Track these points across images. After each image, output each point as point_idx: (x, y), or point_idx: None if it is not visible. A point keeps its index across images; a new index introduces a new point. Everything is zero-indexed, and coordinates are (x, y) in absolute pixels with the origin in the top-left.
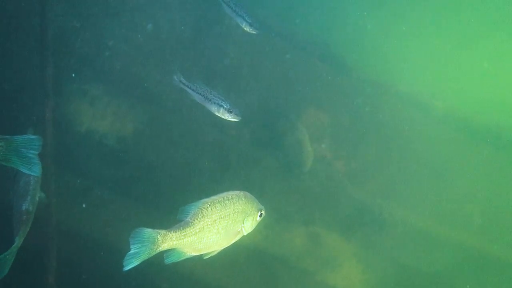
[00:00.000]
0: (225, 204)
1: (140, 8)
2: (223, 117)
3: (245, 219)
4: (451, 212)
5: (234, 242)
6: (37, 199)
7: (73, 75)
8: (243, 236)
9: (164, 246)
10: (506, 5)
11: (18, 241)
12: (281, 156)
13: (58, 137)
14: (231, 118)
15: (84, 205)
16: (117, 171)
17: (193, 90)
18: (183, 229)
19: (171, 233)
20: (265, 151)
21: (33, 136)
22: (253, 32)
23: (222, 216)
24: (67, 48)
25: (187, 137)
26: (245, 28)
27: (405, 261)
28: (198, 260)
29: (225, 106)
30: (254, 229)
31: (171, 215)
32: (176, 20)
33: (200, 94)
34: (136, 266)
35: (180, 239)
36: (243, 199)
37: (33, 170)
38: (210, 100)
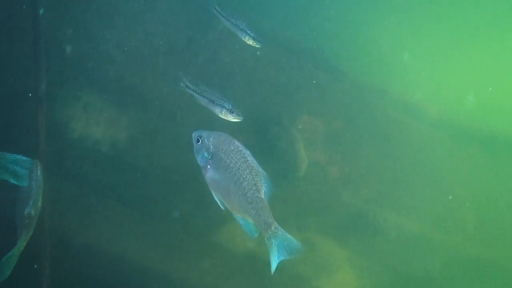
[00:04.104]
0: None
1: (133, 14)
2: (225, 118)
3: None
4: (445, 217)
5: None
6: (40, 204)
7: (66, 81)
8: (239, 241)
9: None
10: (502, 7)
11: (20, 244)
12: (275, 162)
13: (51, 143)
14: (232, 118)
15: (77, 212)
16: (111, 177)
17: (198, 93)
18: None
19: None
20: (259, 157)
21: (24, 158)
22: (257, 45)
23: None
24: (60, 54)
25: (181, 142)
26: (247, 42)
27: (400, 266)
28: (192, 266)
29: (227, 107)
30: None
31: (166, 220)
32: (170, 26)
33: (205, 97)
34: (128, 272)
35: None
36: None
37: (20, 181)
38: (213, 102)
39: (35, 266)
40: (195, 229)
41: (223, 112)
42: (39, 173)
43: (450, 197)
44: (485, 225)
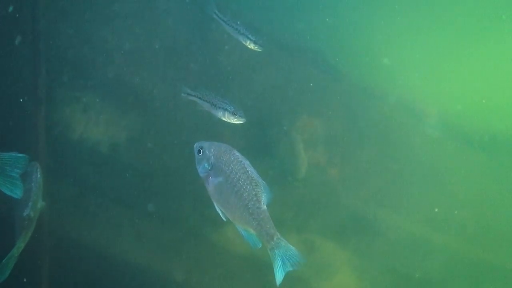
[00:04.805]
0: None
1: (133, 15)
2: (228, 120)
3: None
4: (445, 218)
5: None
6: (39, 206)
7: (65, 82)
8: (238, 242)
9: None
10: (502, 7)
11: (19, 246)
12: (275, 164)
13: (51, 144)
14: (235, 120)
15: (77, 213)
16: (110, 178)
17: (200, 98)
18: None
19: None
20: (259, 159)
21: (19, 155)
22: (259, 49)
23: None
24: (60, 55)
25: (180, 144)
26: (249, 46)
27: (400, 268)
28: (192, 267)
29: (230, 110)
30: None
31: (166, 220)
32: (169, 27)
33: (207, 101)
34: (128, 272)
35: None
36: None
37: (14, 192)
38: (215, 105)
39: (32, 268)
40: (195, 229)
41: (226, 115)
42: (38, 175)
43: (436, 210)
44: (485, 226)
